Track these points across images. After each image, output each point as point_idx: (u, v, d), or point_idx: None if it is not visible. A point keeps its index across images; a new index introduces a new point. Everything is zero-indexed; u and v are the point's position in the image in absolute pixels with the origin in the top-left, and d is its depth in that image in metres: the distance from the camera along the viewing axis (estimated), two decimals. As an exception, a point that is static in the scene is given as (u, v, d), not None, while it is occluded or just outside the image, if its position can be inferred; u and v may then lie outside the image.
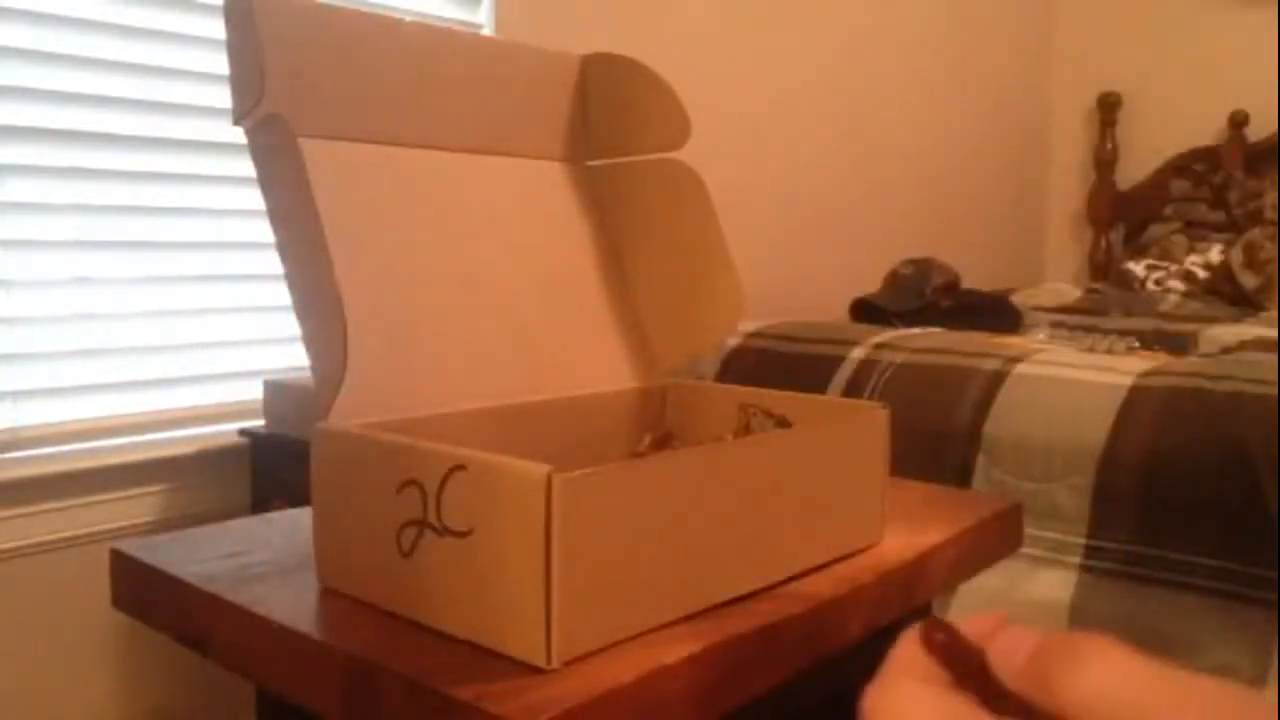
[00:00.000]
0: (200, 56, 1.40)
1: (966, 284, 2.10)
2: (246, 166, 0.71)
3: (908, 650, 0.30)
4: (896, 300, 2.00)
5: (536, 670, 0.57)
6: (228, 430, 1.44)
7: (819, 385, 1.49)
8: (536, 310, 0.87)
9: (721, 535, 0.66)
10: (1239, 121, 2.91)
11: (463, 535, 0.59)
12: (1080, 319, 2.10)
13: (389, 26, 0.83)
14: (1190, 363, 1.42)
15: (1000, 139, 3.08)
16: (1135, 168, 3.09)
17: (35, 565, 1.29)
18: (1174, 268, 2.64)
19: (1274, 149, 2.81)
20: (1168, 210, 2.97)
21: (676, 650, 0.60)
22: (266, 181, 0.70)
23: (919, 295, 2.00)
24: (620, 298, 0.94)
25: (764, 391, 0.88)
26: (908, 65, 2.66)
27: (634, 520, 0.60)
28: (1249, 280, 2.43)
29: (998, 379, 1.37)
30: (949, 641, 0.30)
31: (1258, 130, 2.88)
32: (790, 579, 0.70)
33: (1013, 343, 1.56)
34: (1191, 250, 2.69)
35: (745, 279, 0.89)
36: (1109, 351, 1.57)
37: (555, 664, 0.57)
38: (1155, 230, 2.96)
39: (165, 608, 0.75)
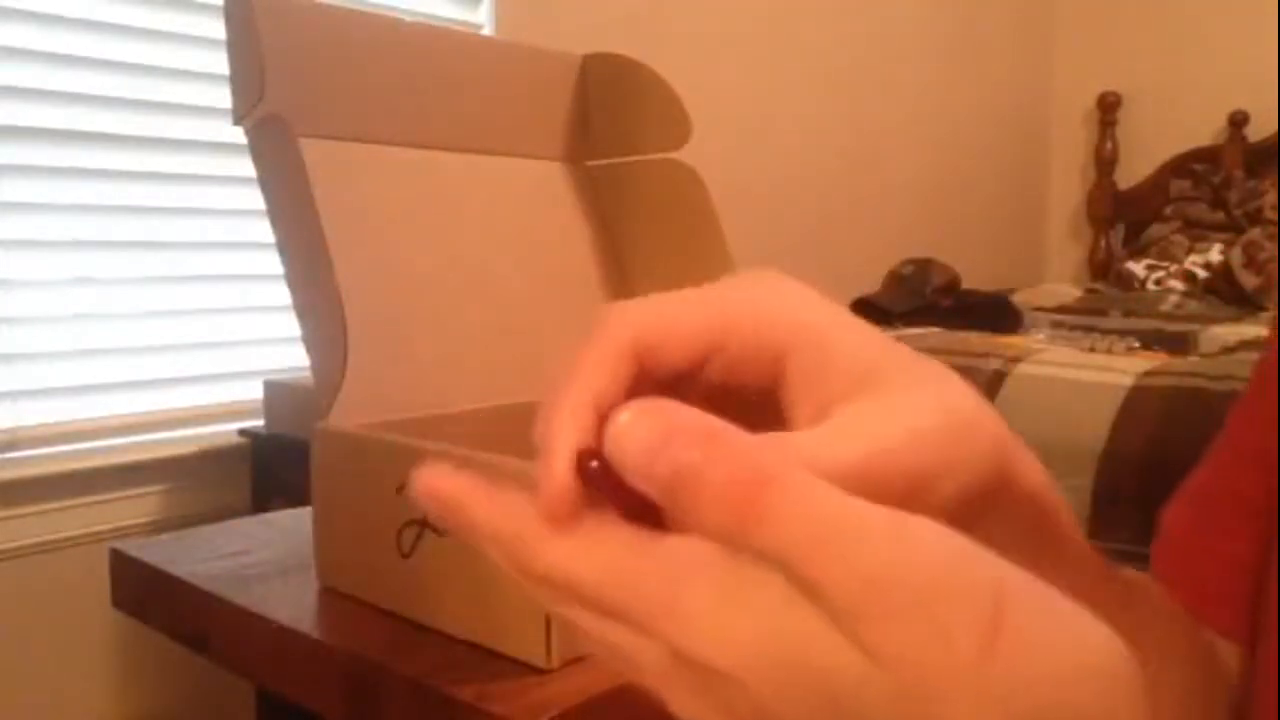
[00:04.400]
0: (200, 56, 1.40)
1: (966, 284, 2.10)
2: (246, 166, 0.71)
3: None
4: (896, 300, 2.00)
5: (536, 670, 0.57)
6: (228, 430, 1.44)
7: (819, 385, 1.48)
8: (536, 310, 0.87)
9: (721, 535, 0.66)
10: (1239, 121, 2.91)
11: (463, 535, 0.59)
12: (1080, 319, 2.09)
13: (389, 26, 0.83)
14: (1190, 363, 1.42)
15: (1000, 139, 3.08)
16: (1135, 168, 3.09)
17: (35, 565, 1.29)
18: (1174, 268, 2.64)
19: (1274, 149, 2.81)
20: (1168, 210, 2.97)
21: (676, 650, 0.60)
22: (266, 181, 0.70)
23: (919, 295, 2.00)
24: (620, 298, 0.94)
25: (764, 391, 0.88)
26: (908, 65, 2.66)
27: (634, 520, 0.60)
28: (1249, 280, 2.43)
29: (998, 379, 1.37)
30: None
31: (1258, 130, 2.88)
32: (790, 579, 0.70)
33: (1013, 343, 1.55)
34: (1191, 250, 2.69)
35: (745, 279, 0.89)
36: (1109, 351, 1.56)
37: (555, 664, 0.57)
38: (1155, 230, 2.96)
39: (165, 608, 0.75)
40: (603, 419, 0.23)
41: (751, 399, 0.26)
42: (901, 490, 0.23)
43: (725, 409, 0.23)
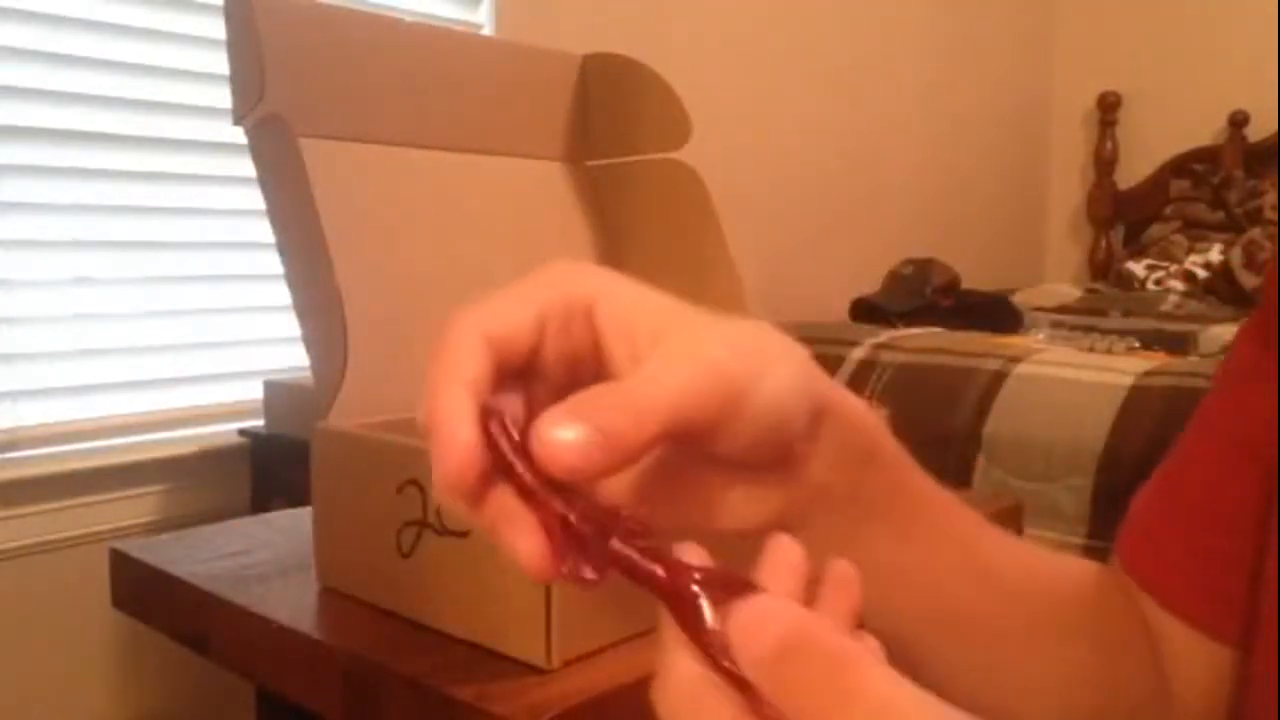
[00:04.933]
0: (200, 56, 1.40)
1: (966, 284, 2.10)
2: (246, 166, 0.71)
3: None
4: (896, 300, 2.00)
5: (536, 670, 0.57)
6: (228, 430, 1.44)
7: (819, 385, 1.48)
8: (536, 310, 0.87)
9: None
10: (1239, 121, 2.91)
11: (463, 535, 0.59)
12: (1080, 319, 2.10)
13: (389, 26, 0.83)
14: (1190, 363, 1.42)
15: (1000, 139, 3.08)
16: (1135, 168, 3.09)
17: (35, 565, 1.29)
18: (1174, 268, 2.64)
19: (1274, 149, 2.81)
20: (1168, 210, 2.97)
21: (676, 650, 0.60)
22: (266, 181, 0.70)
23: (919, 295, 2.00)
24: (620, 298, 0.94)
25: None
26: (908, 65, 2.66)
27: (634, 520, 0.60)
28: (1249, 280, 2.43)
29: (998, 379, 1.37)
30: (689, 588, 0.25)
31: (1258, 130, 2.88)
32: (790, 579, 0.70)
33: (1013, 343, 1.55)
34: (1191, 250, 2.69)
35: (745, 279, 0.89)
36: (1109, 351, 1.57)
37: (555, 664, 0.57)
38: (1155, 230, 2.96)
39: (165, 608, 0.75)
40: (479, 397, 0.27)
41: (584, 370, 0.30)
42: (719, 404, 0.27)
43: (567, 386, 0.28)
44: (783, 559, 0.27)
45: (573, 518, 0.26)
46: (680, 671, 0.24)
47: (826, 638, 0.22)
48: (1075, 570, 0.44)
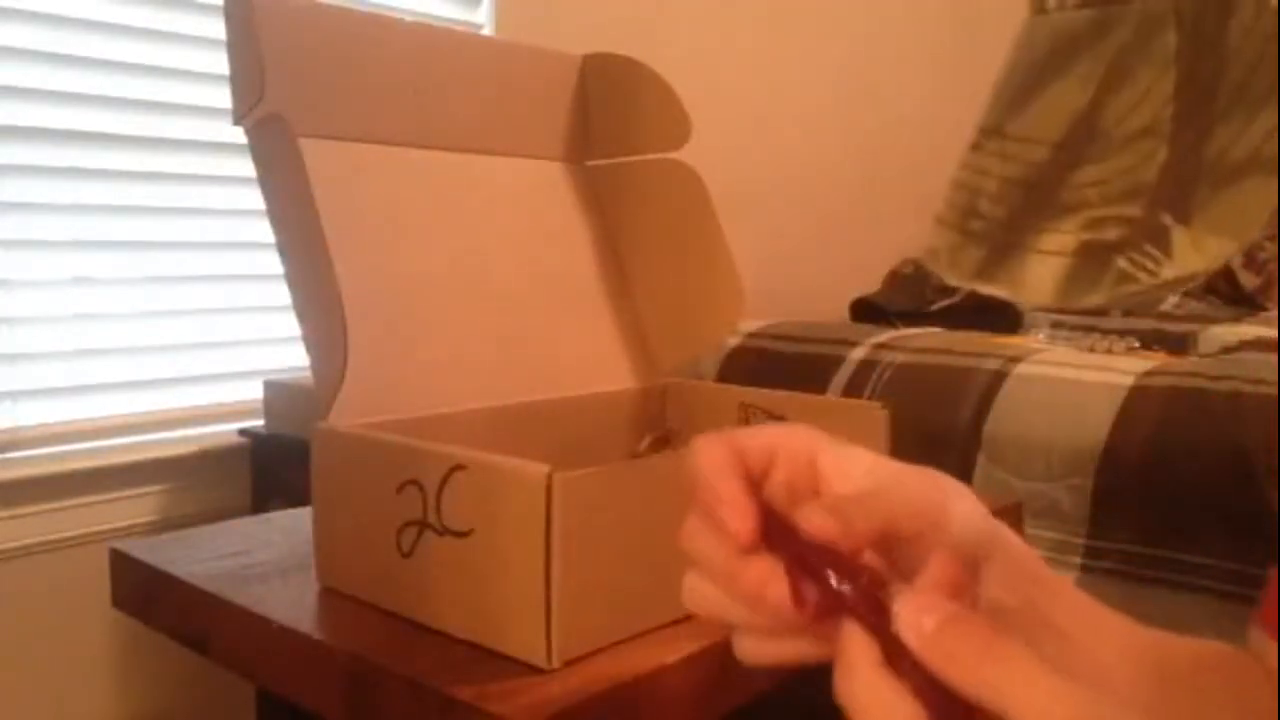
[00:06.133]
0: (200, 56, 1.40)
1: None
2: (246, 166, 0.71)
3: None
4: (896, 300, 2.00)
5: (536, 670, 0.57)
6: (228, 430, 1.44)
7: (819, 385, 1.49)
8: (536, 310, 0.87)
9: (721, 535, 0.66)
10: (1239, 121, 2.91)
11: (463, 535, 0.59)
12: (1080, 319, 2.09)
13: (389, 26, 0.83)
14: (1190, 363, 1.42)
15: (1000, 139, 3.08)
16: (1135, 168, 3.09)
17: (35, 565, 1.29)
18: (1174, 268, 2.64)
19: (1274, 149, 2.80)
20: (1168, 210, 2.97)
21: (676, 650, 0.60)
22: (266, 181, 0.70)
23: (919, 295, 2.00)
24: (620, 298, 0.94)
25: (763, 391, 0.89)
26: (908, 64, 2.66)
27: (633, 520, 0.60)
28: (1249, 280, 2.43)
29: (998, 379, 1.37)
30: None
31: (1258, 130, 2.88)
32: (790, 579, 0.70)
33: (1013, 343, 1.55)
34: (1191, 250, 2.68)
35: (745, 279, 0.89)
36: (1109, 351, 1.56)
37: (555, 664, 0.57)
38: (1155, 230, 2.96)
39: (165, 608, 0.75)
40: (746, 480, 0.35)
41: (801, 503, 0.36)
42: (917, 520, 0.35)
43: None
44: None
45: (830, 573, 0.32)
46: (867, 674, 0.30)
47: (975, 617, 0.29)
48: (1214, 649, 0.47)
